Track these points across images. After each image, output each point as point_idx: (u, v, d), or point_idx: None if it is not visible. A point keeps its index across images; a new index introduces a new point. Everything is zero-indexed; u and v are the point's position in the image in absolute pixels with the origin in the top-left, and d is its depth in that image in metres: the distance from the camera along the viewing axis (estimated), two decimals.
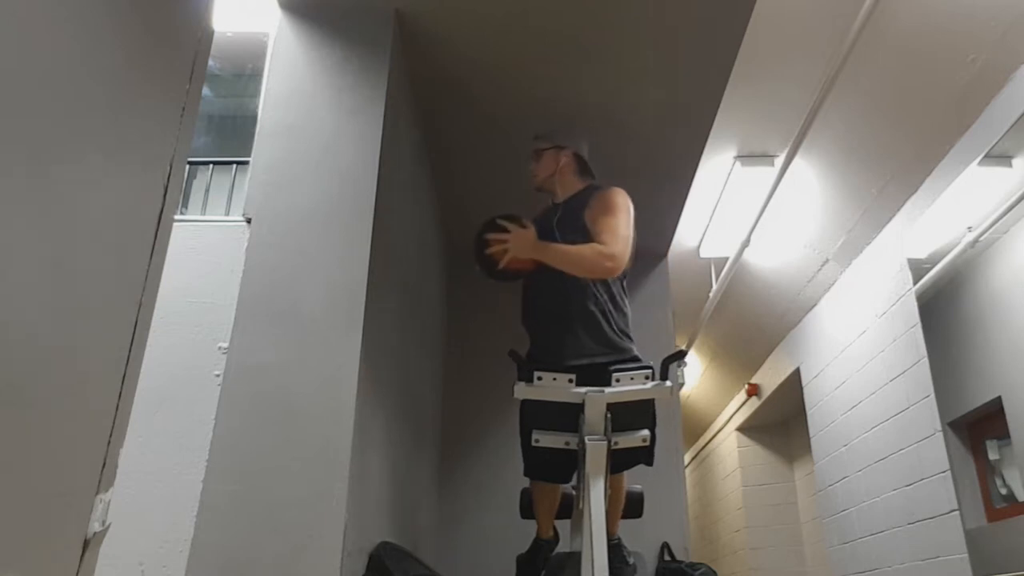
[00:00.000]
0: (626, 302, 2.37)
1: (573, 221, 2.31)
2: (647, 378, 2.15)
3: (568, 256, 2.23)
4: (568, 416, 2.16)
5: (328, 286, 2.03)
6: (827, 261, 4.29)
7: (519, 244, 2.26)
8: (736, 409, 6.72)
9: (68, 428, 0.95)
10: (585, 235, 2.25)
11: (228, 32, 2.48)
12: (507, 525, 2.98)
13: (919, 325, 3.48)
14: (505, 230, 2.28)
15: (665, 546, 3.52)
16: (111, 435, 1.03)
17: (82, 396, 0.98)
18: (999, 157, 2.89)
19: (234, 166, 2.38)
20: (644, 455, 2.29)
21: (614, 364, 2.17)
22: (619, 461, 2.24)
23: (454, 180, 3.42)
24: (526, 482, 2.54)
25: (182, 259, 2.06)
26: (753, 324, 5.43)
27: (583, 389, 2.11)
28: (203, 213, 2.34)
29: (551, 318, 2.30)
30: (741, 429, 6.78)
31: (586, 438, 2.09)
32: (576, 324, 2.25)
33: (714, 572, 2.90)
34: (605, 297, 2.29)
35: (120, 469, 1.05)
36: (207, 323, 2.03)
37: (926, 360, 3.43)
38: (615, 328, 2.27)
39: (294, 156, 2.20)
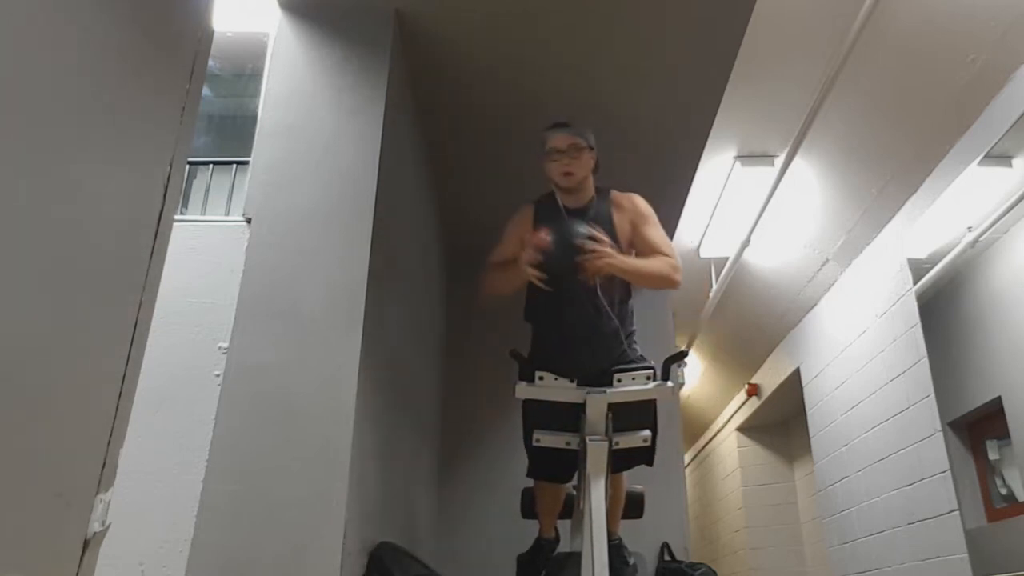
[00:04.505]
0: (634, 320, 2.39)
1: (607, 226, 2.25)
2: (648, 378, 2.15)
3: (643, 269, 2.25)
4: (569, 416, 2.16)
5: (328, 286, 2.03)
6: (827, 261, 4.29)
7: (609, 257, 2.16)
8: (736, 409, 6.72)
9: (68, 428, 0.95)
10: (614, 237, 2.22)
11: (228, 32, 2.48)
12: (507, 525, 2.98)
13: (919, 325, 3.48)
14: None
15: (665, 546, 3.52)
16: (111, 435, 1.03)
17: (82, 396, 0.98)
18: (999, 157, 2.89)
19: (234, 166, 2.38)
20: (645, 455, 2.29)
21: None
22: (619, 461, 2.24)
23: (454, 180, 3.42)
24: (527, 482, 2.54)
25: (182, 259, 2.06)
26: (753, 324, 5.43)
27: (584, 389, 2.11)
28: (203, 213, 2.34)
29: (579, 334, 2.24)
30: (741, 429, 6.78)
31: (587, 438, 2.09)
32: (602, 341, 2.24)
33: (714, 572, 2.90)
34: (620, 315, 2.30)
35: (120, 469, 1.05)
36: (207, 323, 2.03)
37: (926, 360, 3.43)
38: (629, 344, 2.30)
39: (294, 156, 2.20)
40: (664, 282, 2.28)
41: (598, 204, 2.31)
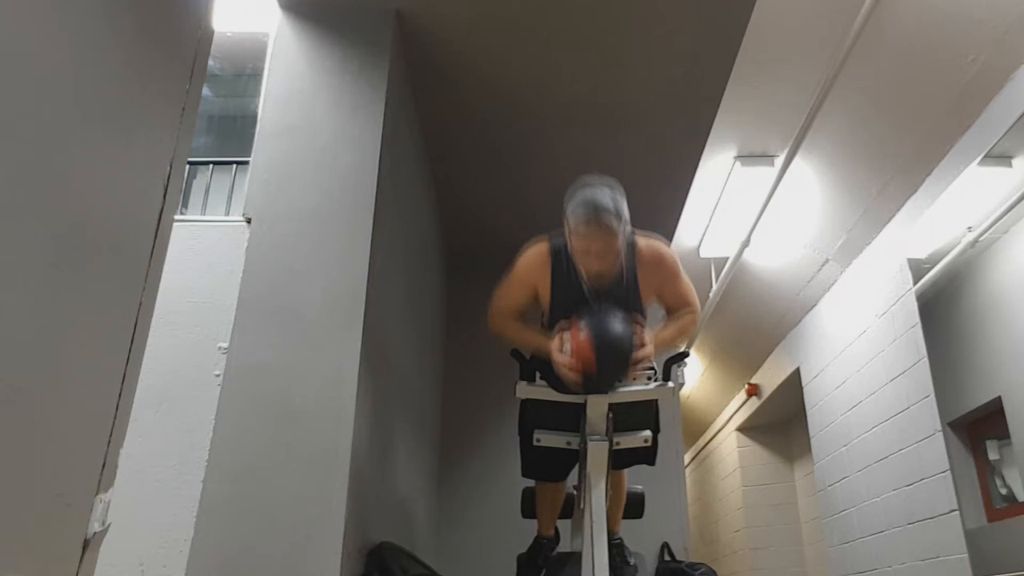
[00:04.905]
0: None
1: (632, 294, 2.13)
2: (649, 379, 2.15)
3: (675, 338, 2.24)
4: (569, 416, 2.16)
5: (328, 286, 2.03)
6: (827, 261, 4.29)
7: (651, 351, 2.05)
8: (736, 409, 6.72)
9: (68, 428, 0.95)
10: (639, 302, 2.13)
11: (228, 32, 2.48)
12: (507, 524, 2.98)
13: (919, 325, 3.48)
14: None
15: (665, 546, 3.52)
16: (111, 435, 1.03)
17: (82, 396, 0.98)
18: (999, 157, 2.89)
19: (234, 166, 2.38)
20: (646, 455, 2.29)
21: None
22: (620, 459, 2.24)
23: (454, 180, 3.42)
24: (526, 482, 2.54)
25: (182, 259, 2.06)
26: (753, 324, 5.43)
27: None
28: (203, 213, 2.34)
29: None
30: (741, 429, 6.78)
31: (588, 438, 2.09)
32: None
33: (714, 572, 2.89)
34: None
35: (120, 469, 1.05)
36: (207, 323, 2.03)
37: (926, 360, 3.43)
38: None
39: (294, 156, 2.20)
40: (688, 335, 2.32)
41: (627, 272, 2.13)
